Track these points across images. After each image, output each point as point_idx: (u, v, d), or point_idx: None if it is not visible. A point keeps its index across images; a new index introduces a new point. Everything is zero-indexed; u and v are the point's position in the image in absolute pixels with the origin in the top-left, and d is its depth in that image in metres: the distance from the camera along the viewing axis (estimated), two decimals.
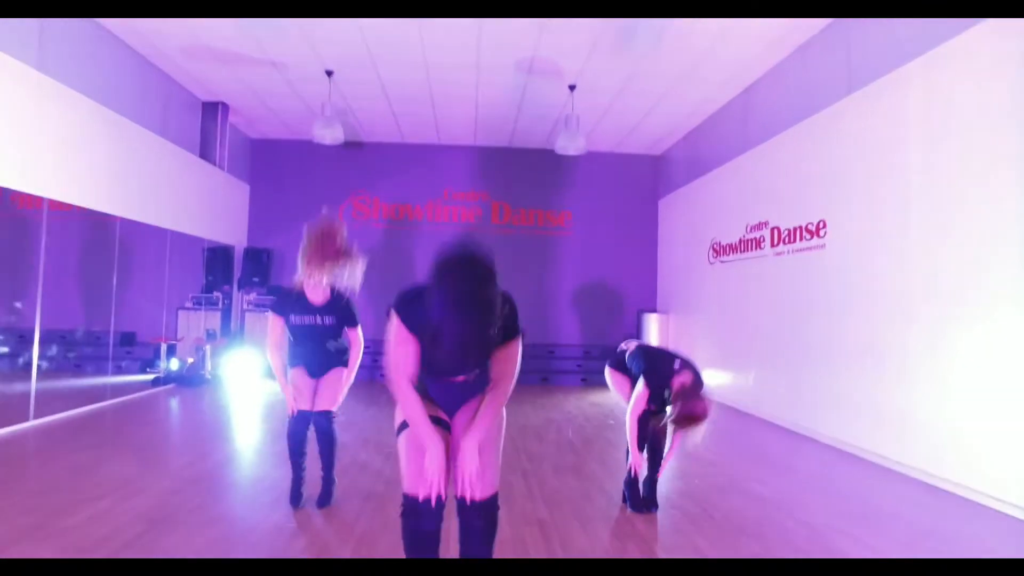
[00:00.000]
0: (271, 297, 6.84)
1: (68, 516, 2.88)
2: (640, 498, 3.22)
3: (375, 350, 6.97)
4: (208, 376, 7.50)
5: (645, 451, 3.21)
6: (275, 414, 5.73)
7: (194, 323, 7.82)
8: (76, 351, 6.15)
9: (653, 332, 8.61)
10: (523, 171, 9.25)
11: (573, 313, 9.27)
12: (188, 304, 7.84)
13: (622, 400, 3.39)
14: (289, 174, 9.07)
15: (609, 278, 9.29)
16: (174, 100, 7.02)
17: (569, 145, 6.87)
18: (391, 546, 2.60)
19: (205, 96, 7.50)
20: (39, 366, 4.98)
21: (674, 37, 5.45)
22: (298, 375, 3.23)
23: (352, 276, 3.03)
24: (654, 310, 9.11)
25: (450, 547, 2.29)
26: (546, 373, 8.72)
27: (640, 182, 9.41)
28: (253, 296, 8.53)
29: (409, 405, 1.82)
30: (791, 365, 5.62)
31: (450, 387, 1.93)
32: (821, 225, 5.17)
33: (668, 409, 3.05)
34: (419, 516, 1.82)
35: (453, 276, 1.58)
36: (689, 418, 2.94)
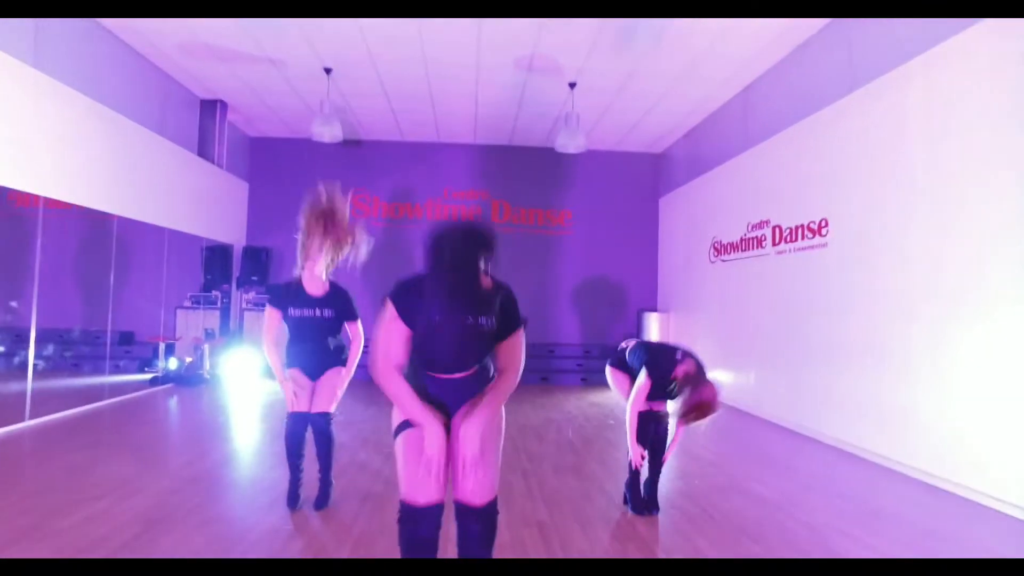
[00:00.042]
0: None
1: (65, 516, 2.87)
2: (641, 500, 3.20)
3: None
4: (206, 375, 7.48)
5: (646, 451, 3.19)
6: (273, 414, 5.72)
7: (192, 322, 7.81)
8: (73, 350, 6.14)
9: (653, 331, 8.60)
10: (523, 169, 9.22)
11: (573, 312, 9.25)
12: (186, 303, 7.83)
13: (623, 399, 3.35)
14: (288, 172, 9.04)
15: (609, 277, 9.26)
16: (172, 98, 6.99)
17: (569, 143, 6.84)
18: (389, 547, 2.58)
19: (203, 94, 7.47)
20: (35, 366, 4.96)
21: (674, 36, 5.43)
22: (295, 377, 3.16)
23: (356, 257, 2.95)
24: (655, 309, 9.09)
25: (448, 553, 2.27)
26: (546, 373, 8.71)
27: (640, 180, 9.38)
28: (252, 295, 8.51)
29: (399, 389, 1.81)
30: (792, 364, 5.61)
31: (449, 385, 1.92)
32: (823, 224, 5.15)
33: (673, 403, 3.02)
34: (416, 522, 1.80)
35: (449, 229, 1.76)
36: (700, 406, 2.88)
